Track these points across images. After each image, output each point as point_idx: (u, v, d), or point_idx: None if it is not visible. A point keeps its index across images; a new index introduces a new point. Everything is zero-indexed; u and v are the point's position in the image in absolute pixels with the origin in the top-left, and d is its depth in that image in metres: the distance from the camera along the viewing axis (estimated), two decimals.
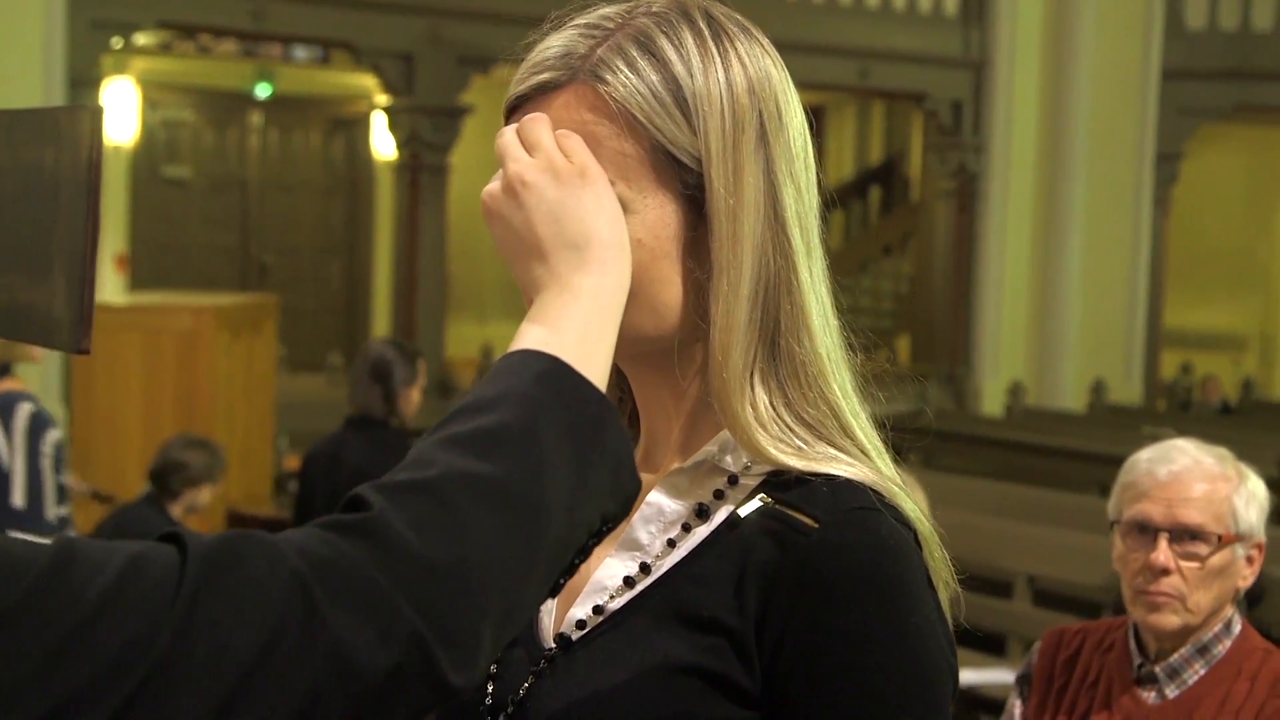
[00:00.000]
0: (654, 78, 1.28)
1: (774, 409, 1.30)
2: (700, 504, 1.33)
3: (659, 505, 1.34)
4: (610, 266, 1.22)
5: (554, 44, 1.33)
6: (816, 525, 1.26)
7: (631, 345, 1.30)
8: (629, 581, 1.33)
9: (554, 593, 1.19)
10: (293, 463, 9.50)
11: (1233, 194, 19.71)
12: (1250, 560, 2.63)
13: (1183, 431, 9.72)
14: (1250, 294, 19.88)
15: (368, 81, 16.08)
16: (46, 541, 1.00)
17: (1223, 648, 2.59)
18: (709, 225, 1.29)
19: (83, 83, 10.89)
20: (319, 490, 5.51)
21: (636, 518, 1.34)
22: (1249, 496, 2.62)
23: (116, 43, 11.77)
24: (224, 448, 6.55)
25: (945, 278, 15.51)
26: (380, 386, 5.47)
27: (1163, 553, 2.56)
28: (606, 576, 1.34)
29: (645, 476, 1.35)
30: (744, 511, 1.30)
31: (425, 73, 12.90)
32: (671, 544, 1.32)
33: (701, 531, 1.32)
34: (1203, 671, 2.58)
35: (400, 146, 13.46)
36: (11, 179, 1.78)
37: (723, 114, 1.29)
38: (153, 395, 8.13)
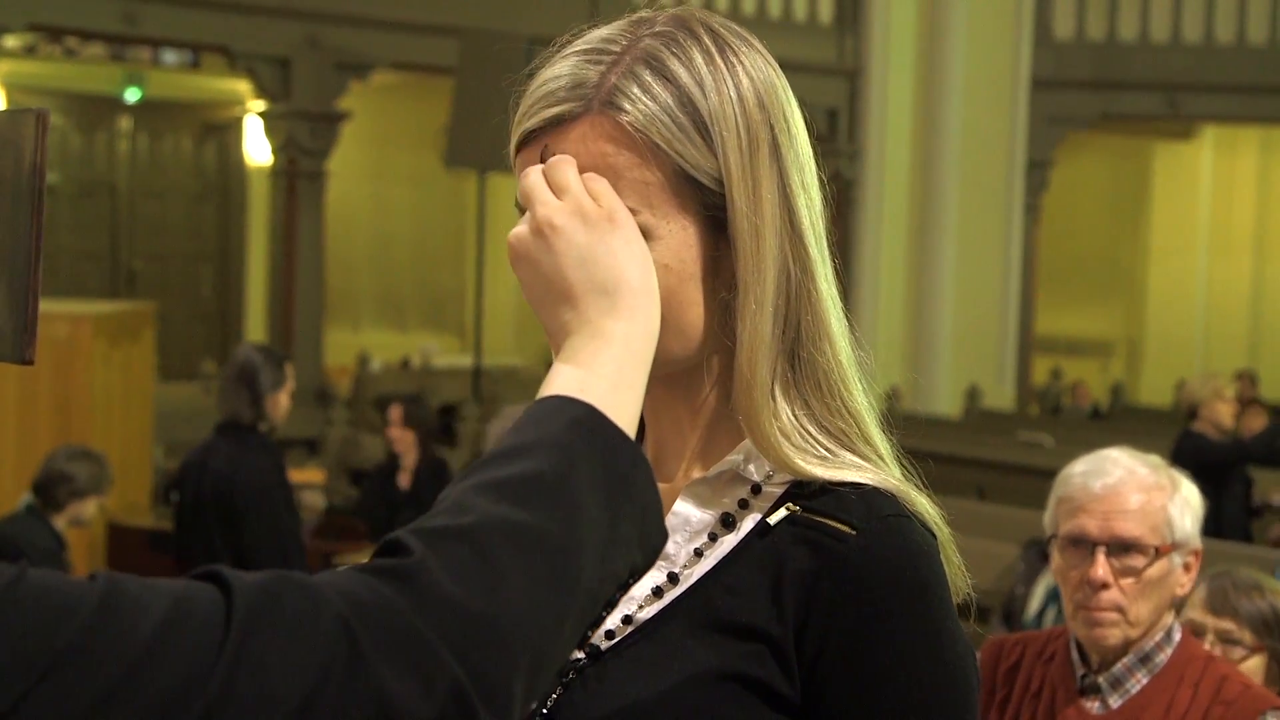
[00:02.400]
0: (670, 101, 1.27)
1: (797, 419, 1.30)
2: (725, 513, 1.33)
3: (685, 515, 1.34)
4: (641, 313, 1.20)
5: (560, 73, 1.29)
6: (854, 532, 1.27)
7: (659, 368, 1.27)
8: (658, 591, 1.32)
9: (581, 644, 1.18)
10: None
11: (1099, 202, 20.08)
12: (1188, 568, 2.62)
13: (1056, 436, 9.84)
14: (1117, 300, 20.27)
15: (240, 86, 15.91)
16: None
17: (1164, 656, 2.58)
18: (732, 244, 1.29)
19: None
20: (187, 497, 5.47)
21: None
22: (1183, 504, 2.60)
23: None
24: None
25: None
26: (247, 391, 5.42)
27: (1100, 566, 2.54)
28: (633, 586, 1.31)
29: (661, 485, 1.35)
30: (773, 520, 1.30)
31: (302, 78, 12.78)
32: (699, 553, 1.32)
33: (730, 541, 1.32)
34: (1145, 681, 2.56)
35: (276, 152, 13.33)
36: None
37: (739, 132, 1.28)
38: (28, 405, 7.96)
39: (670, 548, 1.32)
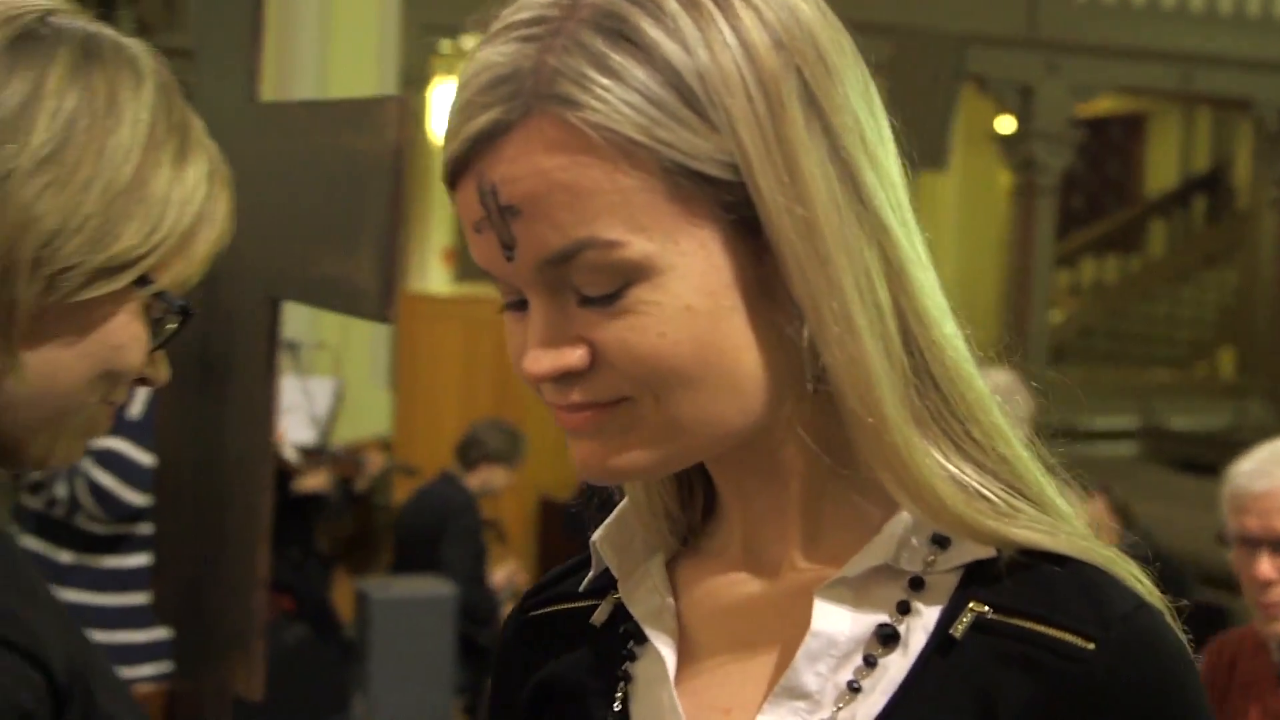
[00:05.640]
0: (640, 74, 0.88)
1: (948, 464, 0.94)
2: (883, 625, 0.96)
3: (829, 635, 0.96)
4: None
5: (484, 63, 0.91)
6: (1092, 646, 0.91)
7: (719, 444, 0.95)
8: None
9: None
10: None
11: None
12: None
13: None
14: None
15: None
16: None
17: None
18: (777, 251, 0.91)
19: (413, 82, 11.32)
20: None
21: (800, 655, 0.96)
22: None
23: (445, 46, 12.20)
24: (537, 436, 6.82)
25: (1271, 289, 15.02)
26: None
27: (1264, 564, 2.53)
28: None
29: (760, 582, 1.03)
30: (958, 631, 0.94)
31: None
32: (854, 688, 0.96)
33: (899, 665, 0.96)
34: None
35: None
36: (324, 162, 2.00)
37: (748, 92, 0.90)
38: (471, 383, 8.50)
39: (811, 682, 0.96)
